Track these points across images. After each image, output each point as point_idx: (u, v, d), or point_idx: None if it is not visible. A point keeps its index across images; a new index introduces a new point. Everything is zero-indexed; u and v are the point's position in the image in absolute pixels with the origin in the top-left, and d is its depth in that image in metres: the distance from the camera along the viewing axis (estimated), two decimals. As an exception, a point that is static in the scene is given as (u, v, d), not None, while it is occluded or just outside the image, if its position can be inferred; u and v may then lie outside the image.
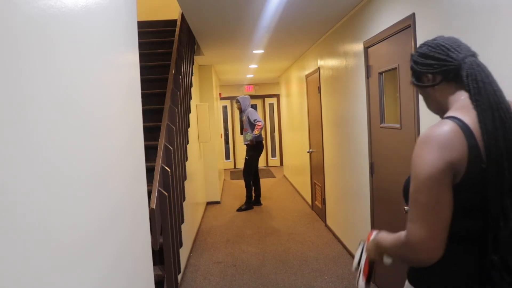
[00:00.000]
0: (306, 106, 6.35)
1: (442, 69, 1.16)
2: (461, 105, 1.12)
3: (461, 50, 1.14)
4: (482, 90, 1.06)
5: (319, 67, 5.32)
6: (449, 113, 1.12)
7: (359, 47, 3.65)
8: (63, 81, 1.13)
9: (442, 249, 1.03)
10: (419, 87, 1.26)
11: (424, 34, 2.43)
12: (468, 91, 1.10)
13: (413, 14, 2.55)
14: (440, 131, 1.05)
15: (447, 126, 1.06)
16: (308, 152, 6.22)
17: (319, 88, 5.34)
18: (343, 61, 4.23)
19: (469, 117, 1.07)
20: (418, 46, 1.25)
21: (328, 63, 4.89)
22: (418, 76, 1.23)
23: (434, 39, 1.20)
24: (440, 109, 1.23)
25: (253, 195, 6.77)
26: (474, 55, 1.14)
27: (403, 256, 1.11)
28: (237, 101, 6.90)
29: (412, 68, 1.25)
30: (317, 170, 5.85)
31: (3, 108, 0.84)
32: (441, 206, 1.03)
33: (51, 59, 1.07)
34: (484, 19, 1.87)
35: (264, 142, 6.87)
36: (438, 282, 1.11)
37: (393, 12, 2.88)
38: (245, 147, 6.85)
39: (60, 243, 1.06)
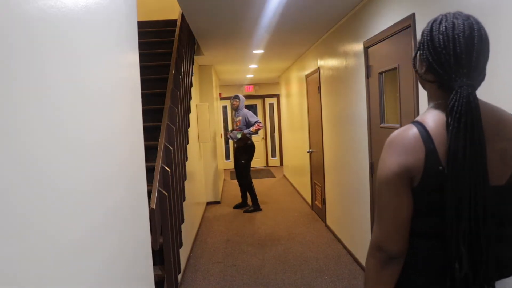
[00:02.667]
0: (306, 106, 6.34)
1: (436, 76, 1.09)
2: (434, 108, 1.12)
3: (463, 70, 1.04)
4: (462, 124, 1.02)
5: (319, 67, 5.32)
6: (419, 117, 1.14)
7: (359, 47, 3.65)
8: (62, 82, 1.13)
9: (399, 246, 1.10)
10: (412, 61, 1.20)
11: (424, 34, 2.43)
12: (447, 113, 1.05)
13: (413, 14, 2.55)
14: (401, 135, 1.10)
15: (409, 132, 1.09)
16: (308, 152, 6.22)
17: (319, 88, 5.34)
18: (343, 61, 4.23)
19: (435, 122, 1.08)
20: (435, 21, 1.10)
21: (328, 63, 4.89)
22: (417, 53, 1.16)
23: (456, 27, 1.06)
24: (424, 89, 1.22)
25: (244, 200, 6.70)
26: (471, 86, 1.04)
27: (370, 259, 1.15)
28: (237, 97, 6.64)
29: (419, 42, 1.16)
30: (317, 170, 5.85)
31: (3, 108, 0.84)
32: (396, 208, 1.09)
33: (48, 60, 1.07)
34: (485, 19, 1.87)
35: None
36: (409, 278, 1.13)
37: (393, 12, 2.88)
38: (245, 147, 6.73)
39: (59, 243, 1.06)
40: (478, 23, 1.08)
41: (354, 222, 4.15)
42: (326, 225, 5.39)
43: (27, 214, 0.91)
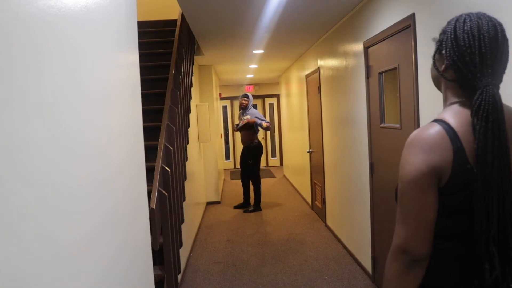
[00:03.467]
0: (306, 106, 6.34)
1: (458, 75, 1.09)
2: (455, 107, 1.12)
3: (488, 70, 1.05)
4: (490, 123, 1.03)
5: (319, 67, 5.32)
6: (440, 115, 1.12)
7: (359, 47, 3.65)
8: (62, 81, 1.13)
9: (425, 249, 1.06)
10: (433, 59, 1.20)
11: (424, 34, 2.43)
12: (472, 114, 1.05)
13: (413, 14, 2.55)
14: (426, 134, 1.07)
15: (433, 129, 1.07)
16: (308, 152, 6.22)
17: (319, 88, 5.34)
18: (343, 61, 4.23)
19: (458, 120, 1.07)
20: (458, 20, 1.10)
21: (328, 63, 4.89)
22: (439, 50, 1.16)
23: (480, 26, 1.06)
24: (438, 87, 1.22)
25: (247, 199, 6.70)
26: (496, 86, 1.05)
27: (393, 263, 1.10)
28: (246, 96, 6.50)
29: (438, 41, 1.16)
30: (317, 170, 5.84)
31: (3, 108, 0.84)
32: (423, 208, 1.05)
33: (48, 60, 1.07)
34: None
35: (264, 142, 6.60)
36: (434, 279, 1.11)
37: (393, 12, 2.88)
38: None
39: (60, 243, 1.06)
40: (500, 24, 1.09)
41: (354, 222, 4.15)
42: (326, 225, 5.39)
43: (27, 214, 0.91)
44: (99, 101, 1.42)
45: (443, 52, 1.12)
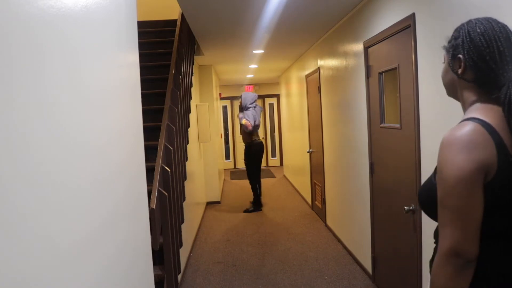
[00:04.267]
0: (306, 106, 6.34)
1: (478, 74, 1.12)
2: (479, 105, 1.13)
3: (509, 66, 1.08)
4: None
5: (319, 67, 5.32)
6: (468, 115, 1.13)
7: (359, 47, 3.65)
8: (62, 81, 1.13)
9: (476, 249, 1.04)
10: (448, 64, 1.22)
11: (424, 34, 2.43)
12: (505, 109, 1.07)
13: (413, 14, 2.55)
14: (463, 132, 1.05)
15: (469, 127, 1.06)
16: (308, 152, 6.22)
17: (319, 88, 5.34)
18: (343, 61, 4.23)
19: (489, 116, 1.09)
20: (469, 24, 1.14)
21: (328, 63, 4.89)
22: (454, 55, 1.18)
23: (493, 28, 1.10)
24: (453, 92, 1.24)
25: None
26: None
27: (446, 267, 1.06)
28: (240, 97, 6.57)
29: (451, 47, 1.19)
30: (317, 170, 5.84)
31: (3, 108, 0.84)
32: (472, 208, 1.03)
33: (48, 60, 1.07)
34: (484, 19, 1.87)
35: (264, 142, 6.51)
36: (486, 280, 1.07)
37: (393, 12, 2.88)
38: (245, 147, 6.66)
39: (59, 243, 1.06)
40: (506, 26, 1.13)
41: (354, 222, 4.15)
42: (326, 225, 5.39)
43: (27, 214, 0.91)
44: (99, 101, 1.42)
45: (460, 56, 1.15)
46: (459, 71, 1.16)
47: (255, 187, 6.49)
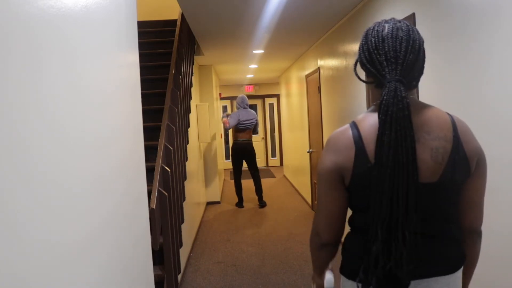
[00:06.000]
0: (306, 106, 6.34)
1: (372, 75, 1.16)
2: (371, 108, 1.19)
3: (392, 66, 1.09)
4: (389, 116, 1.07)
5: (319, 67, 5.32)
6: (358, 116, 1.20)
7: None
8: (62, 81, 1.13)
9: (329, 236, 1.22)
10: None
11: (424, 34, 2.43)
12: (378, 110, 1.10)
13: (413, 14, 2.55)
14: (335, 135, 1.19)
15: (341, 131, 1.17)
16: (308, 152, 6.22)
17: (319, 88, 5.34)
18: (343, 61, 4.23)
19: (369, 120, 1.15)
20: (369, 28, 1.18)
21: (328, 63, 4.89)
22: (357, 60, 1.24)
23: (383, 30, 1.13)
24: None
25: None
26: (399, 80, 1.09)
27: (311, 242, 1.29)
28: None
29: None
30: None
31: (2, 108, 0.84)
32: (329, 203, 1.19)
33: (48, 60, 1.07)
34: (486, 19, 1.87)
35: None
36: (346, 266, 1.23)
37: (393, 12, 2.88)
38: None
39: (59, 243, 1.06)
40: (408, 25, 1.15)
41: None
42: (326, 225, 5.39)
43: (27, 214, 0.91)
44: (99, 101, 1.42)
45: (358, 59, 1.20)
46: (366, 78, 1.20)
47: (235, 184, 6.76)
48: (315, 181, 5.98)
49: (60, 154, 1.09)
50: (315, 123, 5.77)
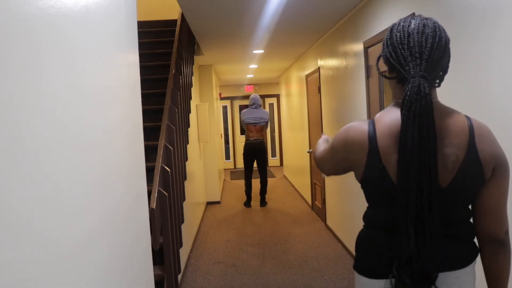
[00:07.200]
0: (306, 106, 6.34)
1: (394, 70, 1.15)
2: (392, 105, 1.19)
3: (417, 61, 1.09)
4: (412, 112, 1.06)
5: (319, 67, 5.32)
6: (378, 113, 1.21)
7: (359, 47, 3.65)
8: (62, 81, 1.13)
9: (328, 173, 1.41)
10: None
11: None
12: (402, 108, 1.10)
13: (413, 14, 2.55)
14: (353, 132, 1.19)
15: (359, 128, 1.18)
16: (308, 152, 6.21)
17: (319, 88, 5.34)
18: (343, 61, 4.23)
19: (388, 119, 1.15)
20: (395, 24, 1.18)
21: (328, 63, 4.89)
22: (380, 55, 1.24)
23: (409, 26, 1.12)
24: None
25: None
26: (423, 76, 1.08)
27: (317, 154, 1.44)
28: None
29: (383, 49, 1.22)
30: (317, 170, 5.84)
31: (2, 107, 0.84)
32: (329, 159, 1.33)
33: (48, 60, 1.07)
34: (486, 19, 1.87)
35: (257, 145, 6.66)
36: (362, 263, 1.25)
37: (393, 12, 2.88)
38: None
39: (59, 242, 1.06)
40: (434, 22, 1.13)
41: (354, 222, 4.15)
42: (326, 225, 5.39)
43: (26, 214, 0.91)
44: (99, 101, 1.42)
45: (382, 53, 1.20)
46: (386, 68, 1.20)
47: (246, 184, 6.80)
48: (315, 181, 5.98)
49: (60, 154, 1.09)
50: (315, 123, 5.77)
